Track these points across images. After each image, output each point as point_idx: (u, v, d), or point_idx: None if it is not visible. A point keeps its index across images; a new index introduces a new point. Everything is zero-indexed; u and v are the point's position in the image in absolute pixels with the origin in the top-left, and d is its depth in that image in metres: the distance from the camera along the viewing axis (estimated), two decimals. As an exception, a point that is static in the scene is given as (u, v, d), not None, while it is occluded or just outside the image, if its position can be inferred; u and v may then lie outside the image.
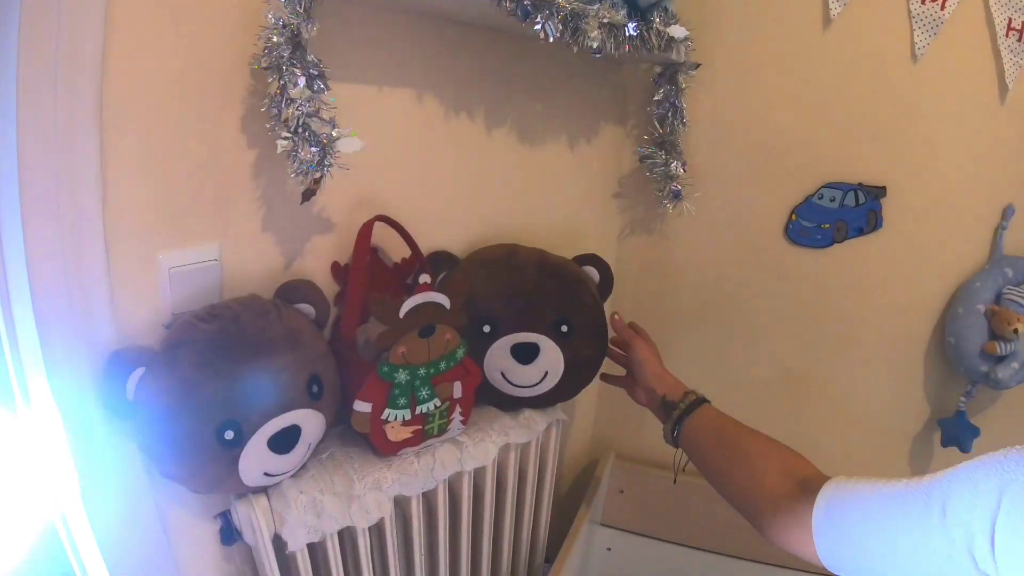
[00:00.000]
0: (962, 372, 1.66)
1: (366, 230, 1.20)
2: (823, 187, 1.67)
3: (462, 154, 1.46)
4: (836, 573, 0.85)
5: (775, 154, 1.70)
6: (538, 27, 1.17)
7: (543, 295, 1.39)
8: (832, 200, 1.67)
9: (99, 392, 0.96)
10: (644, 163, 1.68)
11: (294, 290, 1.14)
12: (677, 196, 1.66)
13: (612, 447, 1.96)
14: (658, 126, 1.65)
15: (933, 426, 1.80)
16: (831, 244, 1.71)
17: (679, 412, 1.19)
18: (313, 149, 1.03)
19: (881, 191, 1.66)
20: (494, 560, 1.55)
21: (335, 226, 1.27)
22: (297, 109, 1.01)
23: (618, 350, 1.45)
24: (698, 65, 1.63)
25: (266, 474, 1.07)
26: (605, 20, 1.30)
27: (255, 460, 1.03)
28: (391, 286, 1.37)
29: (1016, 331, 1.53)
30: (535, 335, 1.36)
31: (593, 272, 1.52)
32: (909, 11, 1.57)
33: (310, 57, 1.01)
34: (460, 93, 1.41)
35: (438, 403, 1.22)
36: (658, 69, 1.64)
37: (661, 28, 1.43)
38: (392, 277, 1.37)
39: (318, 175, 1.08)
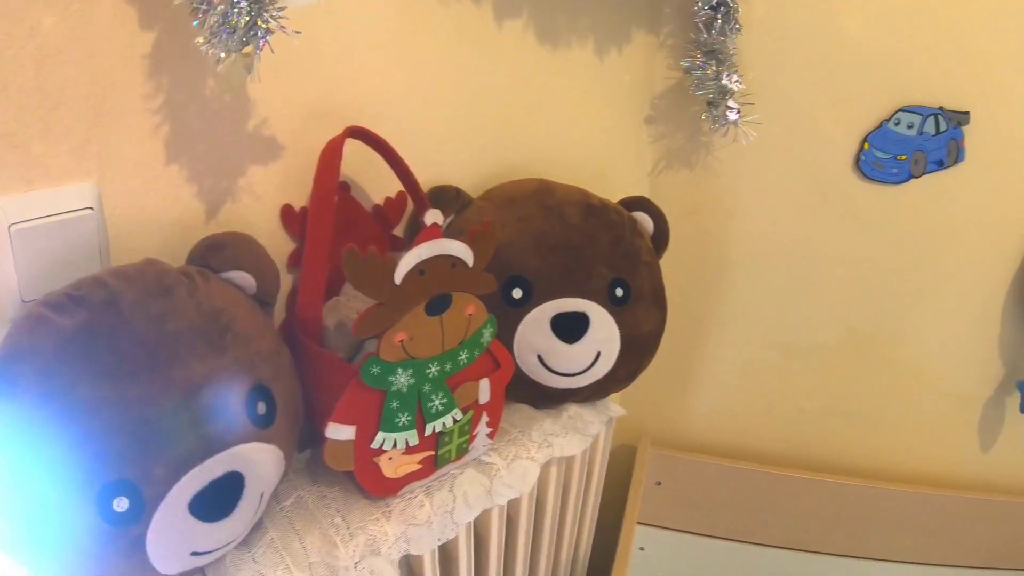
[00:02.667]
0: (1047, 329, 1.37)
1: (333, 151, 0.68)
2: (900, 111, 1.29)
3: (457, 58, 0.95)
4: None
5: (845, 69, 1.29)
6: None
7: (593, 247, 0.92)
8: (910, 127, 1.30)
9: None
10: (690, 77, 1.20)
11: (218, 250, 0.63)
12: (733, 119, 1.20)
13: (646, 433, 1.56)
14: (704, 31, 1.17)
15: (1010, 389, 1.49)
16: (908, 179, 1.33)
17: None
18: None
19: (964, 117, 1.31)
20: None
21: (283, 150, 0.75)
22: None
23: None
24: None
25: (194, 553, 0.58)
26: None
27: (173, 538, 0.55)
28: (371, 238, 0.85)
29: None
30: (584, 301, 0.89)
31: (646, 220, 1.04)
32: None
33: None
34: None
35: (458, 415, 0.71)
36: None
37: None
38: (372, 225, 0.86)
39: (248, 46, 0.57)
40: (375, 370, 0.62)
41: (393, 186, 0.87)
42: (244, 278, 0.65)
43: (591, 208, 0.96)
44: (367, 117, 0.82)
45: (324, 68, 0.77)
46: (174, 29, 0.64)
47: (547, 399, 0.95)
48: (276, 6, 0.56)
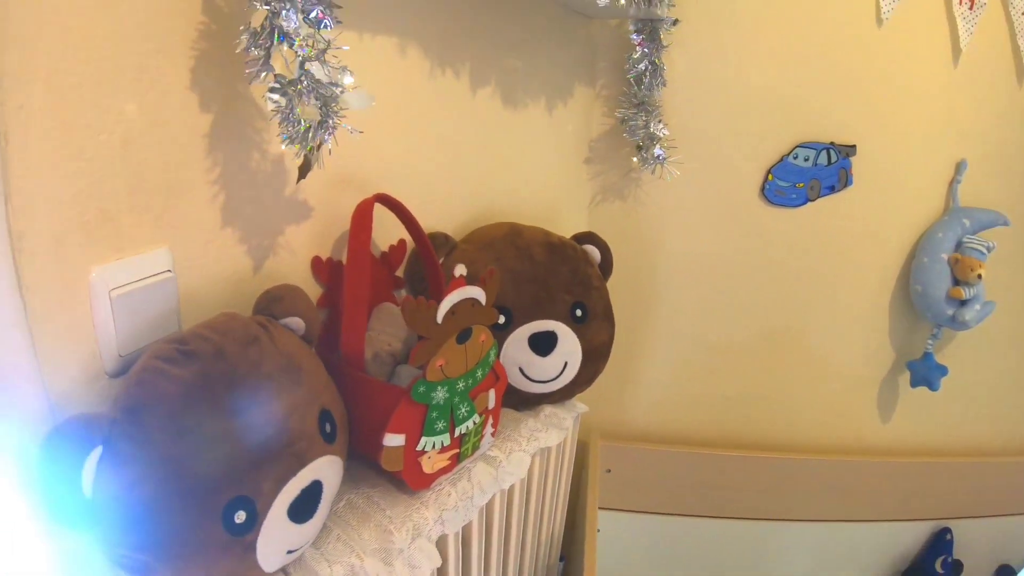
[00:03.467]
0: (929, 317, 1.56)
1: (365, 212, 0.78)
2: (798, 147, 1.47)
3: (441, 123, 1.06)
4: None
5: (752, 114, 1.45)
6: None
7: (556, 278, 1.06)
8: (806, 159, 1.47)
9: (34, 494, 0.57)
10: (623, 125, 1.35)
11: (278, 301, 0.72)
12: (661, 159, 1.35)
13: (595, 428, 1.66)
14: (635, 85, 1.32)
15: (901, 369, 1.68)
16: (805, 203, 1.51)
17: None
18: (315, 105, 0.65)
19: (851, 149, 1.50)
20: (519, 570, 1.19)
21: (312, 211, 0.85)
22: (295, 49, 0.62)
23: None
24: (677, 21, 1.30)
25: (289, 551, 0.67)
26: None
27: (276, 540, 0.64)
28: (381, 280, 0.98)
29: (979, 276, 1.46)
30: (552, 322, 1.03)
31: (594, 252, 1.19)
32: None
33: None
34: (438, 53, 1.02)
35: (477, 419, 0.84)
36: (634, 25, 1.31)
37: None
38: (381, 268, 0.98)
39: (318, 142, 0.67)
40: (422, 389, 0.74)
41: (393, 236, 0.99)
42: (298, 323, 0.74)
43: (552, 246, 1.10)
44: (376, 179, 0.93)
45: (342, 142, 0.88)
46: (227, 111, 0.72)
47: (527, 403, 1.08)
48: (340, 109, 0.67)
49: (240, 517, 0.60)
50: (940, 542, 1.80)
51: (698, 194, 1.49)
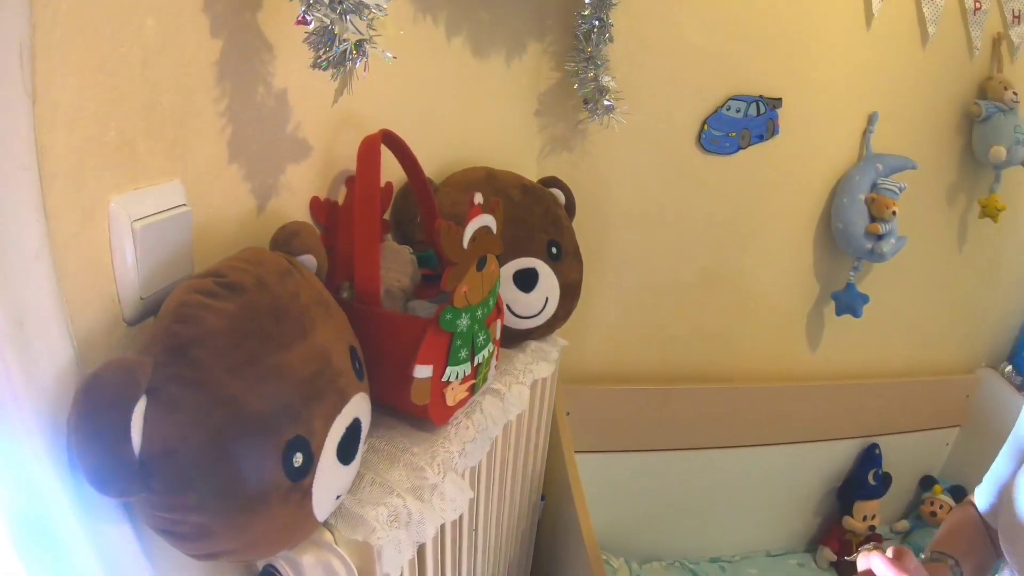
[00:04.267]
0: (849, 251, 1.66)
1: (373, 148, 0.74)
2: (730, 99, 1.52)
3: (424, 69, 1.04)
4: None
5: (688, 70, 1.49)
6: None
7: (532, 218, 1.06)
8: (738, 111, 1.54)
9: (73, 462, 0.48)
10: (572, 78, 1.34)
11: (296, 236, 0.66)
12: (609, 110, 1.35)
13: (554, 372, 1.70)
14: (584, 41, 1.32)
15: (827, 300, 1.79)
16: (737, 151, 1.57)
17: None
18: (354, 26, 0.60)
19: (778, 102, 1.56)
20: (509, 508, 1.19)
21: (311, 151, 0.80)
22: None
23: None
24: None
25: (337, 496, 0.62)
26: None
27: (327, 484, 0.58)
28: None
29: (894, 213, 1.57)
30: (533, 259, 1.03)
31: (560, 195, 1.20)
32: None
33: None
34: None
35: (491, 348, 0.82)
36: None
37: None
38: None
39: (361, 63, 0.61)
40: (449, 316, 0.71)
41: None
42: (311, 260, 0.69)
43: (526, 188, 1.10)
44: (367, 121, 0.88)
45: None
46: (236, 40, 0.66)
47: (514, 339, 1.08)
48: (374, 28, 0.62)
49: (298, 460, 0.54)
50: (870, 457, 1.93)
51: (640, 144, 1.52)
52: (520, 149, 1.44)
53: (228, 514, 0.50)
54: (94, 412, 0.46)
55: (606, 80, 1.33)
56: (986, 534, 0.85)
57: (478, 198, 0.75)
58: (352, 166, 0.87)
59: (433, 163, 1.10)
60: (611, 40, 1.33)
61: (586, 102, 1.36)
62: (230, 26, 0.65)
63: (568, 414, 1.58)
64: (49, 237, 0.49)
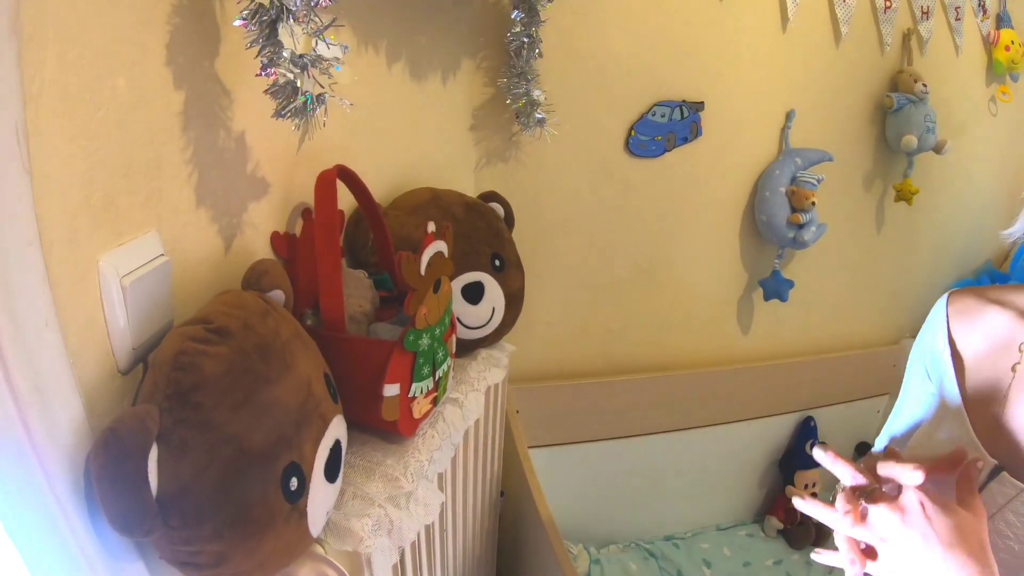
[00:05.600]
0: (773, 240, 1.81)
1: (330, 182, 0.81)
2: (655, 105, 1.64)
3: (367, 99, 1.10)
4: None
5: (615, 79, 1.59)
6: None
7: (476, 233, 1.16)
8: (663, 116, 1.65)
9: (96, 509, 0.54)
10: (505, 93, 1.44)
11: (265, 275, 0.73)
12: (541, 123, 1.45)
13: None
14: (515, 57, 1.41)
15: (755, 287, 1.94)
16: (664, 153, 1.69)
17: None
18: (315, 78, 0.67)
19: (700, 105, 1.69)
20: (472, 506, 1.29)
21: (270, 187, 0.87)
22: (306, 28, 0.65)
23: None
24: None
25: (327, 512, 0.70)
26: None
27: (319, 502, 0.66)
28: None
29: (813, 203, 1.73)
30: (478, 273, 1.13)
31: (499, 208, 1.30)
32: None
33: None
34: (364, 30, 1.06)
35: (450, 363, 0.92)
36: (514, 3, 1.37)
37: None
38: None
39: (318, 113, 0.69)
40: (412, 338, 0.79)
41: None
42: (280, 295, 0.76)
43: (468, 205, 1.19)
44: (319, 153, 0.96)
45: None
46: (197, 89, 0.72)
47: (466, 349, 1.18)
48: (331, 79, 0.70)
49: (294, 484, 0.62)
50: (806, 429, 2.09)
51: (571, 152, 1.62)
52: (458, 164, 1.53)
53: (241, 540, 0.57)
54: (114, 463, 0.52)
55: (537, 94, 1.43)
56: None
57: (431, 227, 0.84)
58: (307, 198, 0.95)
59: (380, 187, 1.18)
60: (541, 55, 1.42)
61: (518, 115, 1.46)
62: (191, 77, 0.71)
63: (518, 412, 1.68)
64: (54, 304, 0.54)
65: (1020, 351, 0.77)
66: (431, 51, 1.30)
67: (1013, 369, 0.77)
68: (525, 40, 1.39)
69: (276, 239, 0.89)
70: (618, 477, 1.92)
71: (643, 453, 1.91)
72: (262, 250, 0.88)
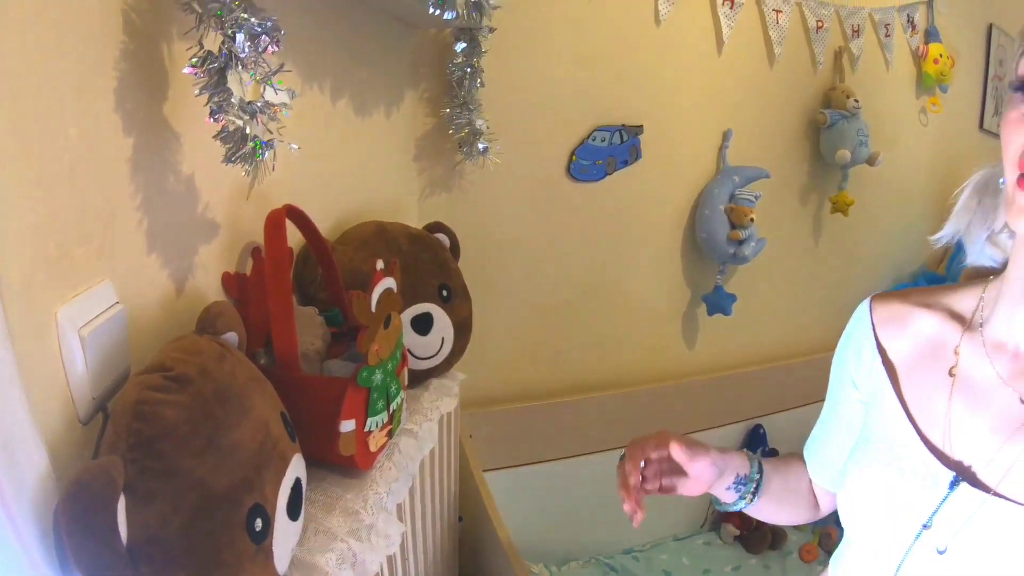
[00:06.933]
0: (715, 257, 1.91)
1: (279, 223, 0.85)
2: (595, 130, 1.73)
3: (312, 137, 1.15)
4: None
5: (556, 106, 1.68)
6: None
7: (423, 265, 1.21)
8: (603, 140, 1.74)
9: (66, 561, 0.55)
10: (447, 123, 1.49)
11: (219, 317, 0.76)
12: (484, 151, 1.51)
13: None
14: (457, 87, 1.47)
15: (699, 303, 2.05)
16: (605, 176, 1.79)
17: (756, 482, 0.93)
18: (263, 125, 0.71)
19: (639, 129, 1.79)
20: (432, 532, 1.32)
21: (219, 228, 0.90)
22: (255, 75, 0.68)
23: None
24: (494, 29, 1.45)
25: (292, 549, 0.73)
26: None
27: (283, 540, 0.69)
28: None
29: (751, 219, 1.81)
30: (426, 304, 1.18)
31: (444, 239, 1.35)
32: None
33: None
34: (306, 70, 1.10)
35: (403, 396, 0.97)
36: (456, 35, 1.44)
37: None
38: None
39: (266, 159, 0.72)
40: (365, 374, 0.84)
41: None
42: (234, 337, 0.79)
43: (414, 237, 1.24)
44: (265, 192, 0.99)
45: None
46: (146, 135, 0.74)
47: (417, 379, 1.22)
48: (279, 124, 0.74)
49: (258, 525, 0.65)
50: (756, 437, 2.19)
51: (514, 178, 1.69)
52: (402, 194, 1.58)
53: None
54: (84, 515, 0.54)
55: (479, 123, 1.49)
56: (808, 494, 0.96)
57: (380, 264, 0.89)
58: (256, 236, 0.98)
59: (328, 221, 1.22)
60: (483, 84, 1.49)
61: (461, 145, 1.52)
62: (140, 122, 0.73)
63: (471, 436, 1.73)
64: (16, 360, 0.55)
65: (956, 354, 0.77)
66: (374, 85, 1.34)
67: (951, 373, 0.77)
68: (467, 70, 1.45)
69: (227, 279, 0.93)
70: (574, 495, 1.97)
71: (597, 470, 1.95)
72: (213, 291, 0.91)
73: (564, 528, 2.02)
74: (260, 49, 0.69)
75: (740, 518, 2.22)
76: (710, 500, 2.19)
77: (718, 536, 2.27)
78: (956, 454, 0.73)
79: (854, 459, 0.82)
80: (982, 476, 0.70)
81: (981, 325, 0.76)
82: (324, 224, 1.21)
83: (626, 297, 1.94)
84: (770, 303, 2.19)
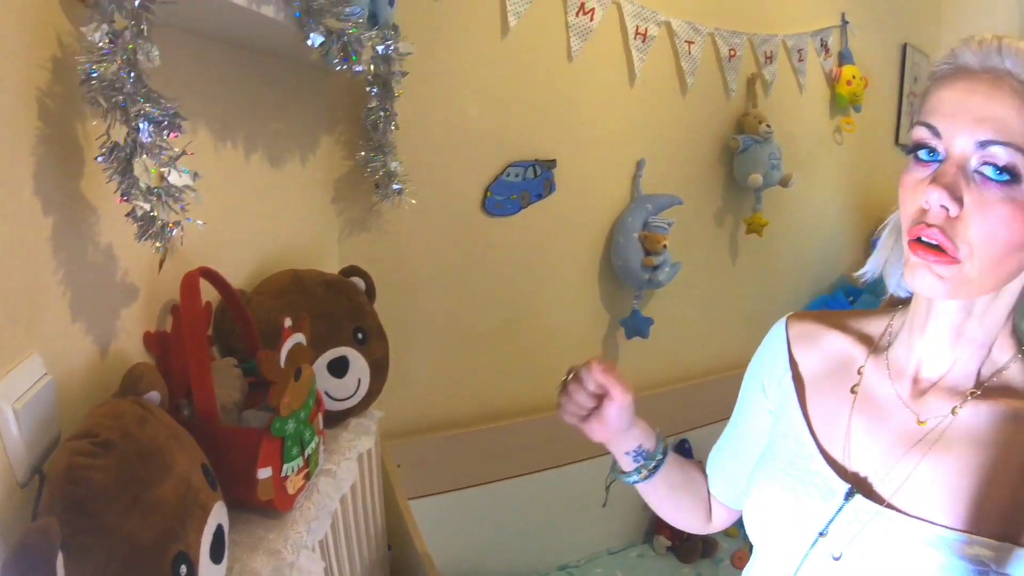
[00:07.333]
0: (630, 283, 2.05)
1: (194, 284, 0.97)
2: (509, 166, 1.86)
3: (228, 193, 1.24)
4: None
5: (470, 144, 1.80)
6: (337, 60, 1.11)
7: (338, 310, 1.32)
8: (517, 176, 1.87)
9: None
10: (366, 167, 1.59)
11: (141, 379, 0.86)
12: (399, 192, 1.62)
13: (378, 431, 1.83)
14: (371, 131, 1.57)
15: (617, 327, 2.19)
16: (519, 211, 1.92)
17: (657, 461, 1.01)
18: (171, 206, 0.81)
19: (552, 163, 1.92)
20: (361, 565, 1.42)
21: (138, 291, 1.00)
22: (158, 162, 0.78)
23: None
24: (406, 73, 1.55)
25: None
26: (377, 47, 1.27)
27: None
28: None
29: (664, 246, 1.95)
30: (342, 348, 1.29)
31: (360, 282, 1.45)
32: (567, 22, 1.91)
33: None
34: (219, 130, 1.20)
35: (317, 440, 1.07)
36: (369, 80, 1.53)
37: (396, 45, 1.43)
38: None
39: (175, 236, 0.83)
40: (278, 425, 0.95)
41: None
42: (155, 396, 0.88)
43: (328, 283, 1.35)
44: (183, 252, 1.09)
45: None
46: (64, 210, 0.83)
47: (336, 420, 1.33)
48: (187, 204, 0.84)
49: (183, 571, 0.75)
50: (682, 451, 2.36)
51: (431, 216, 1.80)
52: (322, 236, 1.69)
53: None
54: (27, 573, 0.63)
55: (394, 165, 1.60)
56: (704, 503, 1.04)
57: (287, 322, 1.01)
58: (174, 294, 1.08)
59: (246, 273, 1.32)
60: (397, 127, 1.59)
61: (377, 186, 1.62)
62: (59, 201, 0.82)
63: (399, 466, 1.84)
64: None
65: (860, 373, 0.84)
66: (288, 135, 1.45)
67: (853, 391, 0.84)
68: (381, 114, 1.55)
69: (148, 338, 1.04)
70: (507, 516, 2.10)
71: (528, 491, 2.10)
72: (137, 350, 1.01)
73: (498, 549, 2.14)
74: (164, 135, 0.78)
75: (671, 529, 2.36)
76: (641, 512, 2.32)
77: (651, 548, 2.42)
78: (853, 467, 0.80)
79: (759, 470, 0.89)
80: (877, 488, 0.78)
81: (887, 349, 0.84)
82: (242, 275, 1.32)
83: (546, 325, 2.07)
84: (689, 323, 2.36)
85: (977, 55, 0.69)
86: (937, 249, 0.68)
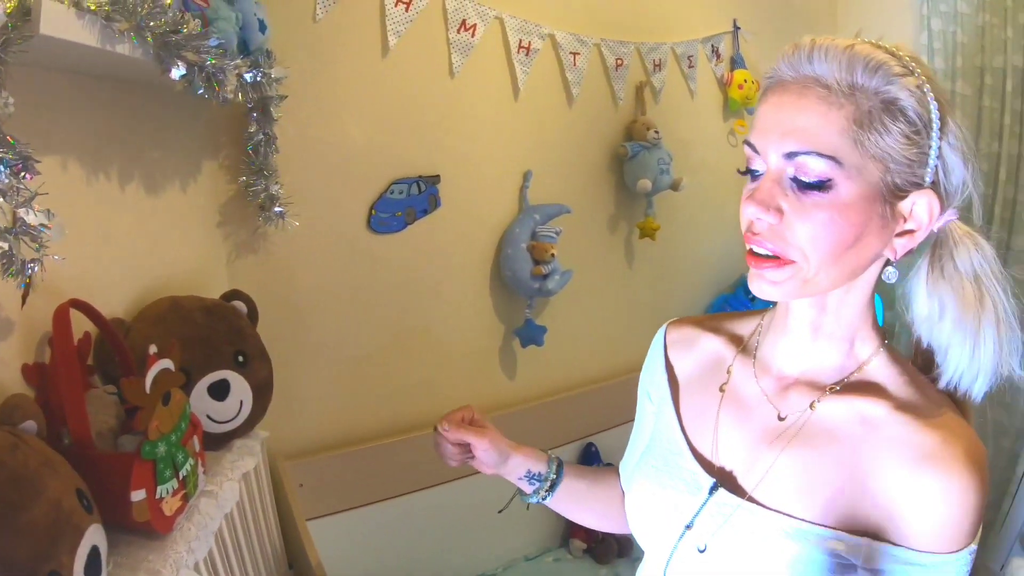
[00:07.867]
0: (521, 293, 2.16)
1: (64, 317, 1.06)
2: (393, 183, 1.96)
3: (103, 222, 1.32)
4: None
5: (352, 163, 1.89)
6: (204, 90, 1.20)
7: (217, 335, 1.40)
8: (401, 193, 1.97)
9: None
10: (247, 191, 1.68)
11: (17, 410, 0.97)
12: (281, 215, 1.72)
13: (278, 452, 1.95)
14: (253, 155, 1.66)
15: (512, 337, 2.30)
16: (405, 227, 2.02)
17: (552, 480, 1.14)
18: (29, 245, 0.89)
19: (436, 179, 2.02)
20: None
21: (14, 325, 1.08)
22: (14, 203, 0.86)
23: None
24: (285, 97, 1.64)
25: None
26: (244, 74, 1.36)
27: None
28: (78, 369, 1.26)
29: (552, 255, 2.07)
30: (222, 371, 1.37)
31: (241, 306, 1.54)
32: (448, 39, 2.02)
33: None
34: (92, 163, 1.27)
35: (192, 462, 1.15)
36: (249, 104, 1.61)
37: (267, 71, 1.52)
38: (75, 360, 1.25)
39: (34, 273, 0.93)
40: (148, 448, 1.03)
41: (78, 330, 1.26)
42: (32, 425, 0.98)
43: (207, 309, 1.43)
44: (59, 283, 1.17)
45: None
46: None
47: (220, 442, 1.41)
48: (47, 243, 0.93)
49: None
50: (589, 454, 2.48)
51: (316, 237, 1.90)
52: (208, 260, 1.77)
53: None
54: None
55: (275, 188, 1.69)
56: (619, 504, 1.08)
57: (152, 349, 1.12)
58: (50, 326, 1.20)
59: (126, 302, 1.40)
60: (278, 151, 1.69)
61: (262, 208, 1.71)
62: None
63: (301, 486, 1.92)
64: None
65: (728, 372, 0.91)
66: (167, 162, 1.52)
67: (722, 389, 0.91)
68: (261, 138, 1.65)
69: (27, 370, 1.12)
70: (419, 529, 2.20)
71: (439, 503, 2.20)
72: (15, 382, 1.09)
73: (414, 562, 2.24)
74: (20, 176, 0.87)
75: (585, 531, 2.51)
76: (555, 516, 2.47)
77: (568, 551, 2.56)
78: (720, 462, 0.87)
79: (638, 468, 0.97)
80: (741, 482, 0.84)
81: (755, 348, 0.91)
82: (123, 304, 1.40)
83: (439, 338, 2.18)
84: (588, 328, 2.50)
85: (791, 64, 0.74)
86: (771, 257, 0.75)
